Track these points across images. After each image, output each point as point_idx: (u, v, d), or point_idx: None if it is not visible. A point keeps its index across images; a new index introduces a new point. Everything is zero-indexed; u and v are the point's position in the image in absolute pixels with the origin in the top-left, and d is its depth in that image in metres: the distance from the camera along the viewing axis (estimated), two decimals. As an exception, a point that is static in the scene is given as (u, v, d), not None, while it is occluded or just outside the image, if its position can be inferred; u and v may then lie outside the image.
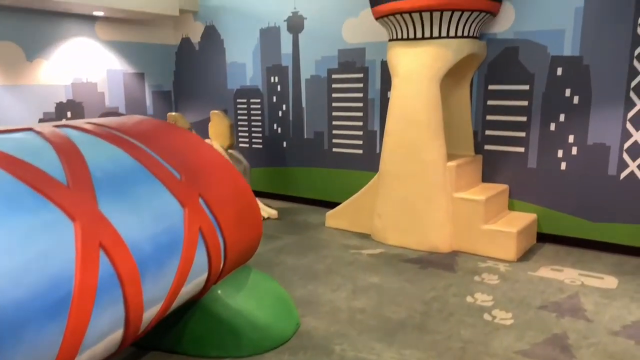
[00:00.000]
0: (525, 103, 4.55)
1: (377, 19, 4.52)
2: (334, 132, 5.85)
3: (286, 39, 6.03)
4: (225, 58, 6.67)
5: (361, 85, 5.54)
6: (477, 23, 4.33)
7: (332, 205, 5.81)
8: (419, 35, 4.32)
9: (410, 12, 4.18)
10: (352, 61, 5.56)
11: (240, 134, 6.73)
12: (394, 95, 4.52)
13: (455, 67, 4.61)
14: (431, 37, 4.28)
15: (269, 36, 6.19)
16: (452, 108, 4.88)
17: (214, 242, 2.43)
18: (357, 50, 5.50)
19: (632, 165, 4.13)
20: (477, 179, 4.79)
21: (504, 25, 4.57)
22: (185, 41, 7.06)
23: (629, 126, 4.10)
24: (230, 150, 5.83)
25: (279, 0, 5.99)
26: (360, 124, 5.63)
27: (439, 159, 4.38)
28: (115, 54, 6.48)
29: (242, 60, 6.51)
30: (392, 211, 4.62)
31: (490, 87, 4.72)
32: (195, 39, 6.93)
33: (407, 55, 4.39)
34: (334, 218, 5.21)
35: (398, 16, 4.28)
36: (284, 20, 6.00)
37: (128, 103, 6.68)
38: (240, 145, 6.73)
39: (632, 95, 4.05)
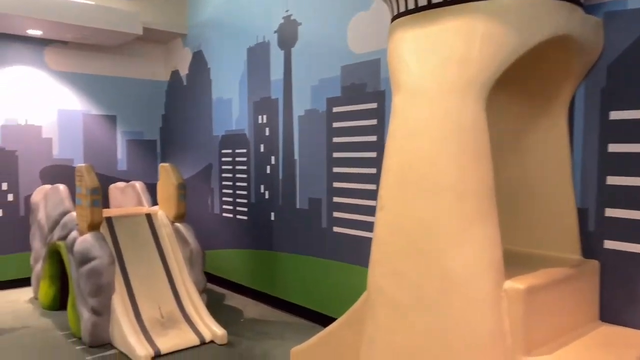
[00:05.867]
0: None
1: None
2: (335, 200, 3.56)
3: (277, 59, 4.00)
4: (211, 94, 4.81)
5: (375, 121, 3.26)
6: (577, -30, 1.92)
7: (327, 320, 3.41)
8: (436, -2, 2.00)
9: (411, -53, 1.92)
10: (360, 83, 3.33)
11: (224, 198, 4.69)
12: (392, 129, 2.18)
13: (529, 73, 2.19)
14: None
15: (256, 57, 4.22)
16: (528, 163, 2.39)
17: None
18: (368, 63, 3.27)
19: None
20: (585, 314, 2.17)
21: (644, -21, 2.08)
22: (175, 75, 5.37)
23: None
24: (177, 224, 3.80)
25: (268, 5, 4.03)
26: (374, 187, 3.30)
27: (483, 271, 1.89)
28: (72, 89, 4.93)
29: (228, 95, 4.58)
30: (386, 375, 2.15)
31: (613, 114, 2.18)
32: (184, 70, 5.21)
33: (418, 44, 2.07)
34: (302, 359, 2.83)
35: (393, -36, 2.03)
36: (275, 32, 4.00)
37: (88, 154, 5.03)
38: (224, 214, 4.68)
39: None
